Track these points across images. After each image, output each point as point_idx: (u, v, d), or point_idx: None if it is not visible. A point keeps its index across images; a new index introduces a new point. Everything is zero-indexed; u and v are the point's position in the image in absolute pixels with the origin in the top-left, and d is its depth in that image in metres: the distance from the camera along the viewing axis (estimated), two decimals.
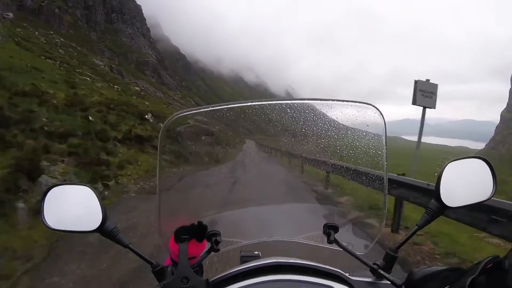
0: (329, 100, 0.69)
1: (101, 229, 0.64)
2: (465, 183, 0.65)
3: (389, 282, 0.62)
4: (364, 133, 0.75)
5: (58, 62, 25.48)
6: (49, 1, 48.93)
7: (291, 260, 0.66)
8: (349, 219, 0.91)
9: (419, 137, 5.33)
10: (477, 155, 0.72)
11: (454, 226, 4.02)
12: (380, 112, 0.68)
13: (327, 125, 0.77)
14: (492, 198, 0.64)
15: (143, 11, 79.95)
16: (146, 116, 15.05)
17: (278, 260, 0.66)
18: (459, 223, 3.18)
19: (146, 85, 45.42)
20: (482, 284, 0.44)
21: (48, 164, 5.95)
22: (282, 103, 0.73)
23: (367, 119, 0.70)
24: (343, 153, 0.80)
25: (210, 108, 0.71)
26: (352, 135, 0.77)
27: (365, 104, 0.69)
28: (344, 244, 0.73)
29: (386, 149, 0.70)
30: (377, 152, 0.72)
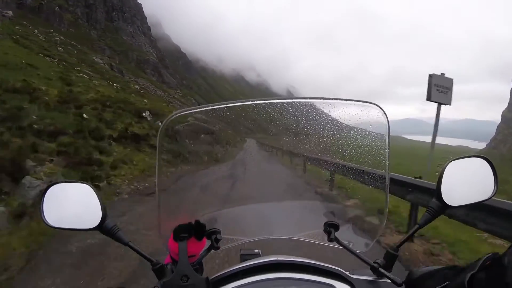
0: (332, 99, 0.68)
1: (100, 227, 0.64)
2: (466, 182, 0.65)
3: (389, 281, 0.62)
4: (367, 132, 0.75)
5: (57, 60, 25.32)
6: None
7: (291, 258, 0.66)
8: (350, 218, 0.91)
9: (434, 137, 4.91)
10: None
11: (470, 233, 3.88)
12: (383, 111, 0.68)
13: (329, 124, 0.77)
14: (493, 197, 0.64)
15: (143, 10, 79.90)
16: (144, 114, 14.83)
17: (278, 258, 0.66)
18: (477, 229, 3.00)
19: (147, 83, 45.39)
20: (481, 280, 0.44)
21: (35, 164, 5.61)
22: (284, 102, 0.73)
23: (370, 118, 0.70)
24: (345, 152, 0.80)
25: (211, 107, 0.70)
26: (355, 134, 0.77)
27: (368, 103, 0.69)
28: (345, 242, 0.73)
29: (389, 148, 0.70)
30: (380, 152, 0.72)
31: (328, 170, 0.95)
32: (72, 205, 0.66)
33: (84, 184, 0.67)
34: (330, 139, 0.79)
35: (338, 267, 0.65)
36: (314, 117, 0.76)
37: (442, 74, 4.74)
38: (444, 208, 0.64)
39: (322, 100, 0.69)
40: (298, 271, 0.63)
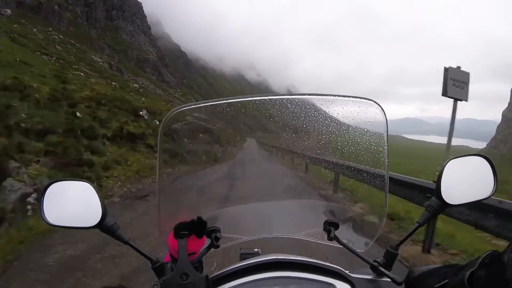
0: (330, 95, 0.69)
1: (100, 225, 0.64)
2: (466, 181, 0.65)
3: (389, 280, 0.62)
4: (365, 130, 0.75)
5: (54, 58, 25.13)
6: None
7: (291, 257, 0.66)
8: (350, 216, 0.91)
9: (449, 136, 4.41)
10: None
11: (488, 242, 3.79)
12: (381, 108, 0.68)
13: (328, 121, 0.77)
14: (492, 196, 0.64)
15: (143, 9, 79.80)
16: (141, 113, 14.49)
17: (278, 257, 0.66)
18: (496, 237, 2.87)
19: (146, 82, 45.35)
20: (481, 277, 0.44)
21: (19, 165, 5.15)
22: (283, 98, 0.73)
23: (368, 115, 0.70)
24: (344, 149, 0.80)
25: (211, 103, 0.70)
26: (353, 131, 0.77)
27: (366, 100, 0.69)
28: (345, 241, 0.73)
29: (387, 146, 0.70)
30: (379, 149, 0.71)
31: (327, 169, 0.95)
32: (72, 203, 0.66)
33: (84, 182, 0.67)
34: (329, 136, 0.79)
35: (338, 266, 0.65)
36: (313, 113, 0.76)
37: (458, 68, 4.28)
38: (443, 207, 0.64)
39: (320, 97, 0.70)
40: (298, 270, 0.63)
